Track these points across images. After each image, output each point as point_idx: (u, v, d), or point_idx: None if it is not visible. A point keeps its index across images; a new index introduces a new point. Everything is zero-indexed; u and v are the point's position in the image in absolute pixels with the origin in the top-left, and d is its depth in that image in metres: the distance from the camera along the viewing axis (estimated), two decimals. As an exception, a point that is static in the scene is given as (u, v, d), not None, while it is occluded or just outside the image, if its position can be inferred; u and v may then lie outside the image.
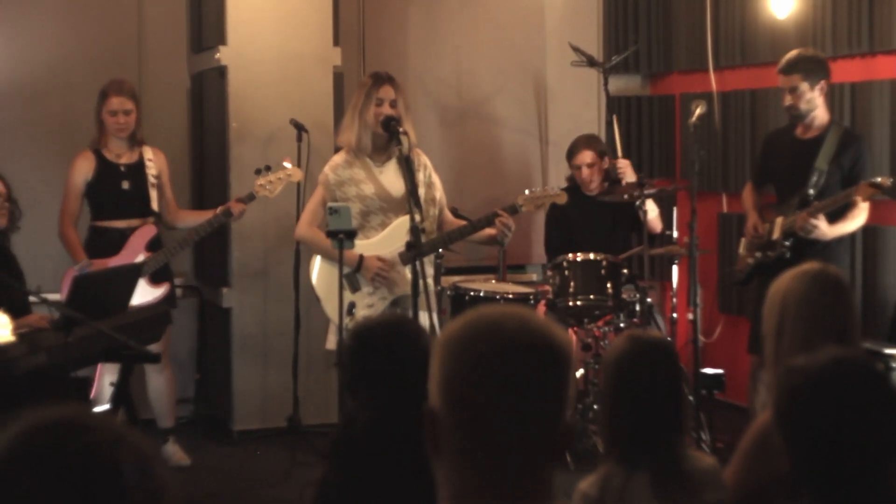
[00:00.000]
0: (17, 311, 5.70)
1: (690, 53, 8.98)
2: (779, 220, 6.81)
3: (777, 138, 7.16)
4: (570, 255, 7.30)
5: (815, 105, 6.79)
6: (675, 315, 7.32)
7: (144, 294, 7.03)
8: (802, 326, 3.47)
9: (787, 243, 6.73)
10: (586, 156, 7.76)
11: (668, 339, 7.26)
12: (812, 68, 6.76)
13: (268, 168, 7.22)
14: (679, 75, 9.21)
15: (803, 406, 2.59)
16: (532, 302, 7.54)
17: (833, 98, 7.33)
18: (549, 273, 7.47)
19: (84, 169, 7.19)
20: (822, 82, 6.77)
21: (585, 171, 7.77)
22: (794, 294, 3.53)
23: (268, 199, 7.26)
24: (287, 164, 7.27)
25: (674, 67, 9.23)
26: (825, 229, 6.60)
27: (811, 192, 6.71)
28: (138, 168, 7.23)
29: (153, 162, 7.28)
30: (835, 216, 6.65)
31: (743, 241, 7.13)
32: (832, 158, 6.73)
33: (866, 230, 7.20)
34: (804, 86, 6.73)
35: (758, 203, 7.16)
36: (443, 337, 1.99)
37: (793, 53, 6.87)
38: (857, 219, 6.69)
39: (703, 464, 3.26)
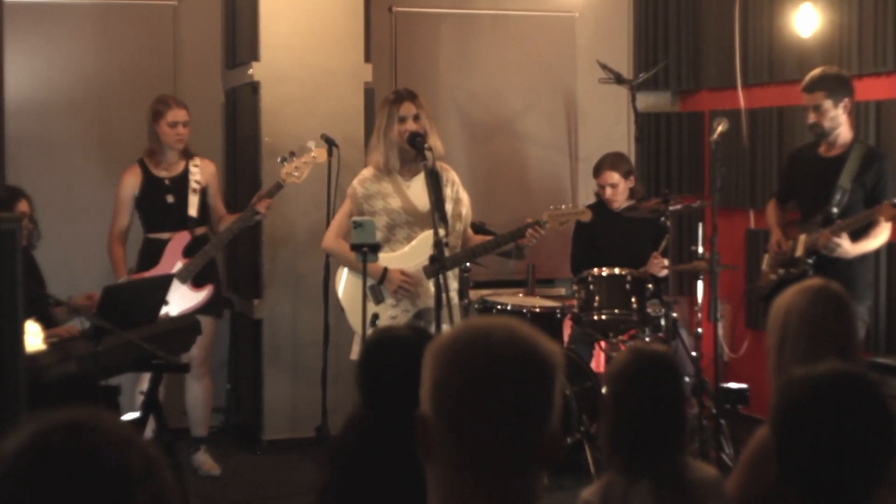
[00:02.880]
0: (41, 319, 5.82)
1: (719, 71, 9.04)
2: (802, 238, 6.85)
3: (801, 156, 7.19)
4: (595, 270, 7.36)
5: (839, 123, 6.82)
6: (699, 330, 7.37)
7: (187, 299, 7.17)
8: (803, 341, 3.53)
9: (809, 261, 6.77)
10: (610, 176, 7.82)
11: (693, 353, 7.33)
12: (836, 86, 6.79)
13: (292, 154, 7.32)
14: (708, 92, 9.27)
15: (798, 415, 2.66)
16: (559, 316, 7.62)
17: (858, 116, 7.38)
18: (575, 287, 7.54)
19: (131, 184, 7.37)
20: (846, 100, 6.80)
21: (609, 191, 7.84)
22: (796, 309, 3.59)
23: (296, 184, 7.35)
24: (311, 146, 7.37)
25: (703, 84, 9.29)
26: (848, 247, 6.64)
27: (834, 210, 6.75)
28: (182, 180, 7.40)
29: (198, 168, 7.42)
30: (857, 234, 6.68)
31: (766, 257, 7.17)
32: (855, 176, 6.76)
33: (889, 247, 7.25)
34: (828, 104, 6.77)
35: (781, 220, 7.20)
36: (433, 346, 2.06)
37: (816, 72, 6.90)
38: (880, 237, 6.72)
39: (704, 474, 3.32)
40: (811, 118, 6.84)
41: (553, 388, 2.04)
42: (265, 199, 7.27)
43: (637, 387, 3.25)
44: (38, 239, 6.80)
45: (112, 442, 1.69)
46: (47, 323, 6.01)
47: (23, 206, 6.63)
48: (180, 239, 7.32)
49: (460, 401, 2.00)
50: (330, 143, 7.66)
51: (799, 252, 6.84)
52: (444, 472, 2.03)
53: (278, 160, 7.36)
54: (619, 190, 7.83)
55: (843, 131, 6.86)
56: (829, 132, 6.83)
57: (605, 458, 3.32)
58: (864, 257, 6.81)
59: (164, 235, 7.35)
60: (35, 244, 6.79)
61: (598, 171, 7.92)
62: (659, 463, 3.23)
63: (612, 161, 7.90)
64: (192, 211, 7.38)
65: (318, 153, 7.37)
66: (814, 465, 2.61)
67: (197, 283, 7.28)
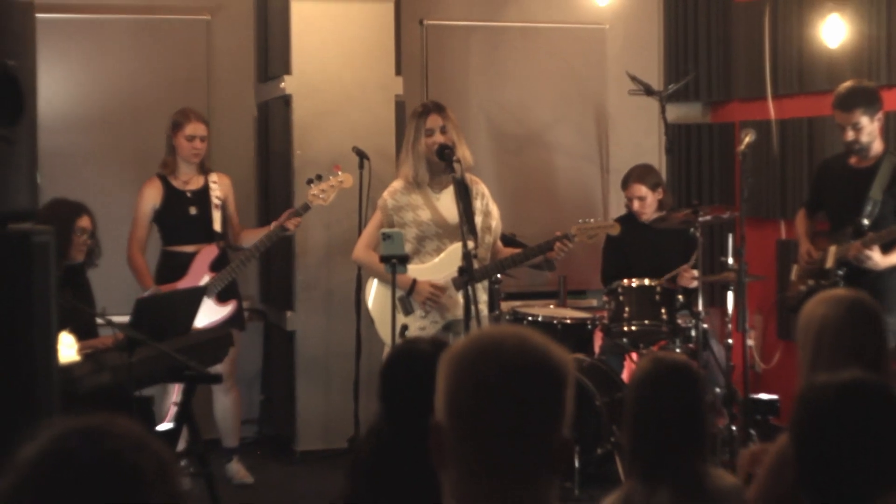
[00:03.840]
0: (85, 335, 5.91)
1: (749, 81, 9.04)
2: (832, 249, 6.85)
3: (831, 166, 7.20)
4: (625, 281, 7.39)
5: (875, 136, 6.84)
6: (730, 341, 7.37)
7: (211, 313, 7.23)
8: (841, 355, 3.54)
9: (840, 272, 6.77)
10: (638, 189, 7.84)
11: (727, 363, 7.34)
12: (870, 100, 6.78)
13: (319, 177, 7.37)
14: (738, 103, 9.27)
15: (817, 421, 2.71)
16: (590, 327, 7.66)
17: (888, 126, 7.36)
18: (605, 299, 7.57)
19: (152, 197, 7.41)
20: (879, 113, 6.81)
21: (637, 204, 7.86)
22: (832, 323, 3.60)
23: (323, 206, 7.41)
24: (338, 171, 7.42)
25: (733, 95, 9.30)
26: (878, 260, 6.65)
27: (865, 221, 6.74)
28: (204, 193, 7.45)
29: (217, 184, 7.49)
30: (888, 246, 6.68)
31: (795, 267, 7.18)
32: (886, 188, 6.76)
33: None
34: (864, 120, 6.75)
35: (810, 230, 7.21)
36: (447, 355, 2.11)
37: (847, 88, 6.87)
38: None
39: (724, 482, 3.34)
40: (849, 136, 6.80)
41: (564, 395, 2.08)
42: (295, 217, 7.32)
43: (657, 395, 3.29)
44: (98, 256, 6.87)
45: (126, 445, 1.75)
46: (87, 337, 6.09)
47: (84, 222, 6.71)
48: (208, 253, 7.38)
49: (472, 408, 2.04)
50: (361, 156, 7.72)
51: (829, 263, 6.84)
52: (458, 479, 2.07)
53: (306, 181, 7.42)
54: (646, 202, 7.85)
55: (876, 143, 6.86)
56: (867, 146, 6.82)
57: (626, 465, 3.36)
58: (894, 269, 6.79)
59: (187, 248, 7.39)
60: (96, 262, 6.87)
61: (625, 184, 7.95)
62: (679, 470, 3.26)
63: (639, 174, 7.93)
64: (217, 226, 7.45)
65: (345, 178, 7.41)
66: (830, 471, 2.65)
67: (221, 298, 7.35)
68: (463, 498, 2.07)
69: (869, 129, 6.78)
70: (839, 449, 2.67)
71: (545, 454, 2.06)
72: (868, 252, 6.61)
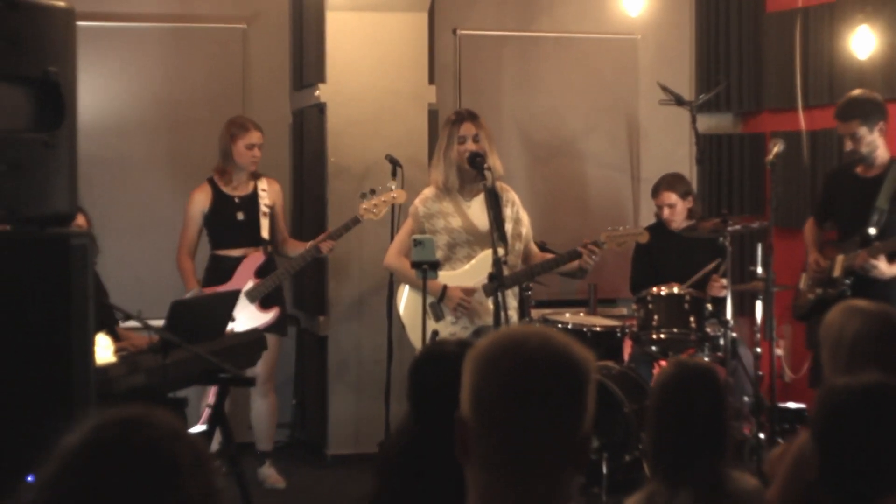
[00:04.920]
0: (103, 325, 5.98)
1: (780, 92, 9.08)
2: (839, 258, 6.88)
3: (838, 175, 7.24)
4: (654, 289, 7.43)
5: (877, 146, 6.86)
6: (758, 350, 7.40)
7: (254, 319, 7.33)
8: (874, 369, 3.58)
9: (847, 281, 6.81)
10: (668, 197, 7.89)
11: (756, 372, 7.37)
12: (868, 111, 6.81)
13: (372, 191, 7.46)
14: (769, 114, 9.30)
15: (839, 419, 2.77)
16: (619, 335, 7.70)
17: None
18: (634, 307, 7.61)
19: (201, 201, 7.52)
20: (881, 123, 6.84)
21: (667, 212, 7.91)
22: (866, 337, 3.64)
23: (373, 220, 7.49)
24: (392, 186, 7.51)
25: (764, 106, 9.33)
26: (884, 269, 6.67)
27: (871, 231, 6.77)
28: (252, 199, 7.55)
29: (266, 192, 7.58)
30: (894, 255, 6.71)
31: (804, 276, 7.21)
32: (893, 197, 6.79)
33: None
34: (863, 130, 6.79)
35: (819, 239, 7.25)
36: (473, 353, 2.17)
37: (846, 98, 6.94)
38: None
39: (745, 484, 3.39)
40: (848, 146, 6.88)
41: (585, 393, 2.13)
42: (330, 240, 7.43)
43: (679, 398, 3.35)
44: (96, 254, 6.96)
45: (163, 436, 1.83)
46: (112, 335, 6.18)
47: (80, 221, 6.81)
48: (255, 258, 7.48)
49: (496, 404, 2.11)
50: (394, 164, 7.78)
51: (837, 272, 6.88)
52: (481, 473, 2.13)
53: (359, 195, 7.50)
54: (676, 210, 7.89)
55: (881, 153, 6.89)
56: (867, 157, 6.87)
57: (648, 467, 3.41)
58: None
59: (234, 252, 7.50)
60: (94, 260, 6.95)
61: (655, 191, 8.00)
62: (700, 472, 3.32)
63: (669, 182, 7.97)
64: (265, 233, 7.54)
65: (399, 194, 7.49)
66: (851, 469, 2.71)
67: (264, 304, 7.44)
68: (485, 492, 2.13)
69: (868, 140, 6.81)
70: (860, 448, 2.73)
71: (566, 450, 2.12)
72: (874, 261, 6.64)
